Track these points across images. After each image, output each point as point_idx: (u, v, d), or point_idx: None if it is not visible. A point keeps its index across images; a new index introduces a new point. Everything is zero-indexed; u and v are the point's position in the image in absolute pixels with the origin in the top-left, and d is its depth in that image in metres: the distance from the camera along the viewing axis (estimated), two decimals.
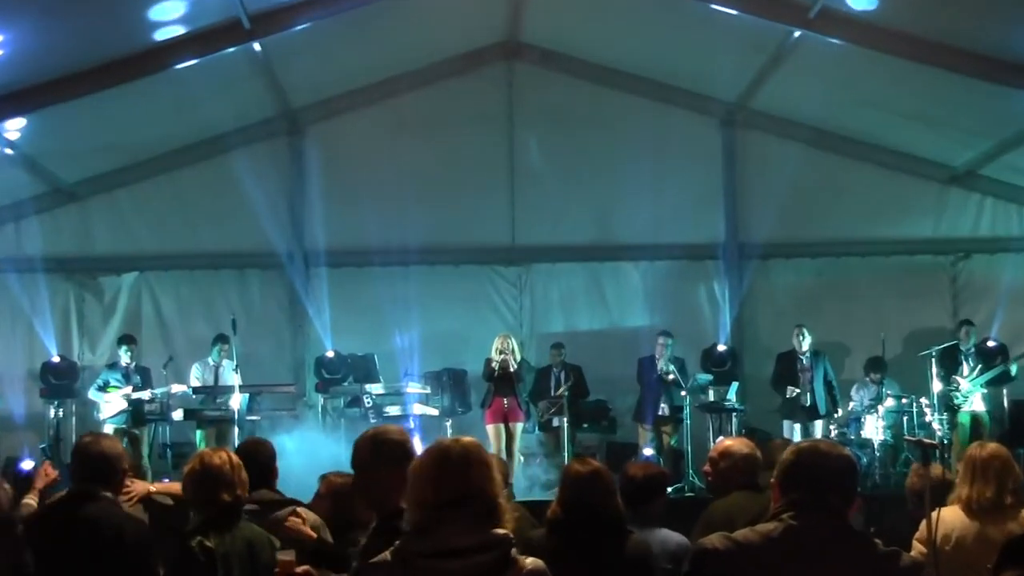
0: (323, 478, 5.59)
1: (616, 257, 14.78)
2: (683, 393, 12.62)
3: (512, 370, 11.88)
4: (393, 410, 12.79)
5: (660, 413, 12.86)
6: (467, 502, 3.19)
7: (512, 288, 14.89)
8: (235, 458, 4.77)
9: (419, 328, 13.85)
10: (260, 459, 5.31)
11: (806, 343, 12.96)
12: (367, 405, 12.58)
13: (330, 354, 13.76)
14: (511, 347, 11.93)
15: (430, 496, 3.22)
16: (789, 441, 9.65)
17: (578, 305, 14.90)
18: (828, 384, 12.92)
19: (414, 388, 13.04)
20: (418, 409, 12.75)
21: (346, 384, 13.33)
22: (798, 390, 12.71)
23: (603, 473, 4.85)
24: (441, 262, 14.56)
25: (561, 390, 12.81)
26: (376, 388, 12.88)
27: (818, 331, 13.40)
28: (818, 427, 12.64)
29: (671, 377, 12.78)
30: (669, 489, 8.69)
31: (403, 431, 3.99)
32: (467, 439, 3.39)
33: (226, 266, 14.64)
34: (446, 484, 3.21)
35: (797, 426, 12.71)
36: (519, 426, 11.92)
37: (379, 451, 3.87)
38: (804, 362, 12.93)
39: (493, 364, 11.95)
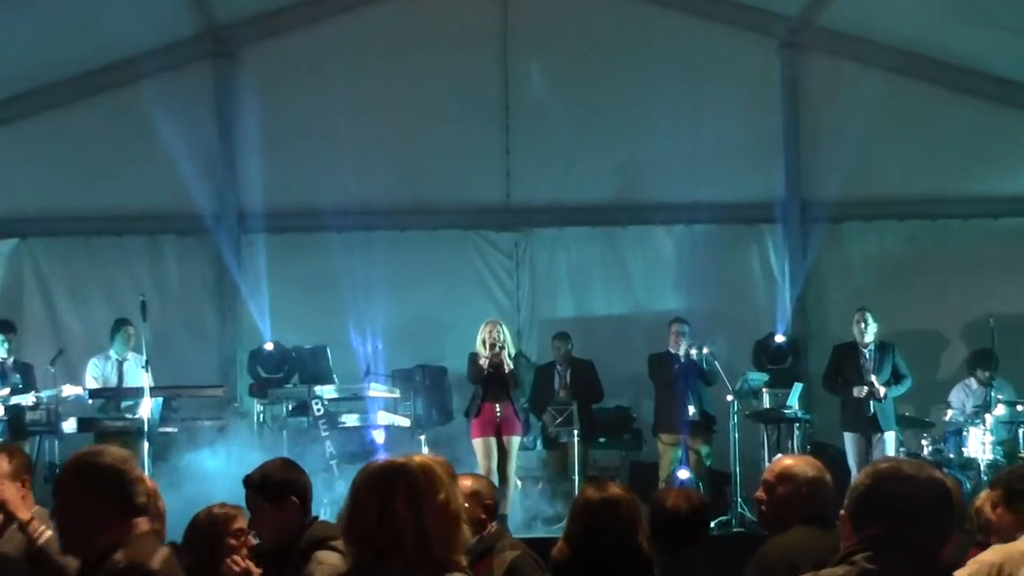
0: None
1: (642, 220, 14.81)
2: (729, 397, 12.56)
3: (507, 368, 11.88)
4: (351, 419, 12.81)
5: (688, 419, 12.69)
6: (410, 540, 3.24)
7: (507, 260, 14.93)
8: (150, 482, 4.76)
9: (386, 313, 13.87)
10: (303, 480, 5.32)
11: (870, 333, 12.67)
12: (317, 413, 12.56)
13: (269, 346, 13.80)
14: (502, 337, 11.91)
15: (366, 531, 3.27)
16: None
17: (592, 282, 14.96)
18: (898, 376, 12.61)
19: (378, 391, 13.04)
20: (384, 418, 12.76)
21: (290, 386, 13.34)
22: (866, 388, 12.54)
23: (625, 501, 4.86)
24: (414, 226, 14.58)
25: (562, 392, 12.88)
26: (329, 391, 12.87)
27: (907, 316, 13.43)
28: (888, 442, 12.42)
29: (706, 351, 12.67)
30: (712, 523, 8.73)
31: (125, 456, 3.93)
32: (419, 458, 3.41)
33: (133, 231, 14.66)
34: (379, 518, 3.26)
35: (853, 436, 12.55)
36: (515, 440, 11.89)
37: (86, 478, 3.80)
38: (867, 357, 12.69)
39: (482, 360, 11.94)
